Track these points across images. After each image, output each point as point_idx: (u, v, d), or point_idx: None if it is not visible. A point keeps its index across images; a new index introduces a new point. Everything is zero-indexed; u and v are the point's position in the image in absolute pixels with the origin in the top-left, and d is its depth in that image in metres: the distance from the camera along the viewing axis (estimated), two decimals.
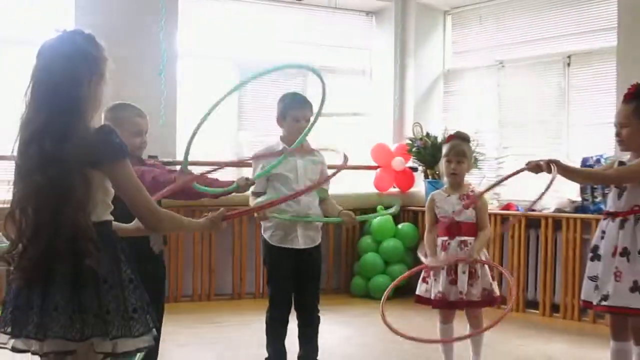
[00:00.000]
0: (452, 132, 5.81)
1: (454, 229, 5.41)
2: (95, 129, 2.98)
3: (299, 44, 10.25)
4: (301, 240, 5.26)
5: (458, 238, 5.40)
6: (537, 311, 8.27)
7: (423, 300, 5.54)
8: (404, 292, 9.30)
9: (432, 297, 5.42)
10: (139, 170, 4.22)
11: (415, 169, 9.89)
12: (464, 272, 5.31)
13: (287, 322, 5.35)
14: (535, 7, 9.35)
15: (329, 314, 8.27)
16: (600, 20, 8.61)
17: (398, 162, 9.79)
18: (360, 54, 10.71)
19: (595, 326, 7.63)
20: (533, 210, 7.63)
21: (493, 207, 9.11)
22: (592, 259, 4.75)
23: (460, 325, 5.71)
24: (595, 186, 7.95)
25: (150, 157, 8.53)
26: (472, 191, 5.58)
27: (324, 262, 9.06)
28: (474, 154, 7.44)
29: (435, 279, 5.41)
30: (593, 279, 4.68)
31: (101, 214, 2.97)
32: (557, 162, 4.66)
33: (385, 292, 5.46)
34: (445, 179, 5.76)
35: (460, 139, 5.53)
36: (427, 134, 9.73)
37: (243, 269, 9.03)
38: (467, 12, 10.18)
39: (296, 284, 5.33)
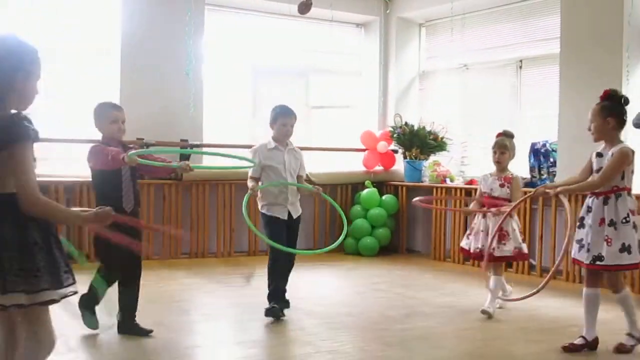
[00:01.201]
0: (500, 131, 6.21)
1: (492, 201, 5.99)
2: (9, 114, 2.82)
3: (303, 50, 10.22)
4: (292, 211, 5.72)
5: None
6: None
7: (464, 252, 6.18)
8: (389, 251, 9.38)
9: (472, 250, 5.99)
10: (104, 148, 4.79)
11: (396, 151, 9.86)
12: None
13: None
14: (493, 20, 9.31)
15: (326, 268, 8.36)
16: (547, 31, 8.54)
17: (382, 146, 9.77)
18: (351, 58, 10.66)
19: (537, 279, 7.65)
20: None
21: (459, 182, 9.14)
22: (578, 227, 4.90)
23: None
24: (542, 166, 7.95)
25: (182, 140, 8.58)
26: (512, 175, 6.06)
27: (322, 226, 9.14)
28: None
29: (475, 237, 5.96)
30: (579, 241, 4.85)
31: (7, 186, 2.80)
32: (562, 191, 4.94)
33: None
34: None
35: (504, 135, 6.09)
36: (406, 123, 9.70)
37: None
38: (438, 25, 10.12)
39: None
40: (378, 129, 10.17)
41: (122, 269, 4.94)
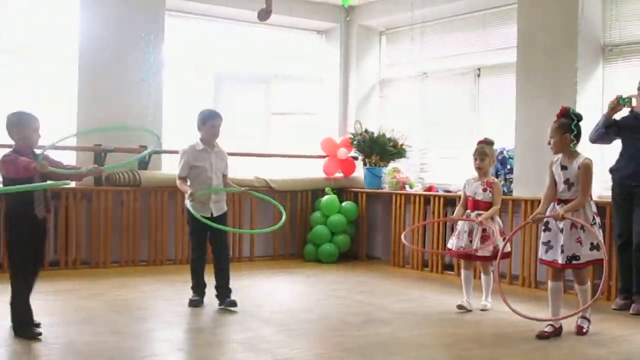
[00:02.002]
0: (480, 139, 6.60)
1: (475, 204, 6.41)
2: None
3: (264, 57, 10.24)
4: (214, 210, 6.21)
5: (477, 211, 6.36)
6: (453, 272, 8.36)
7: (451, 252, 6.58)
8: (349, 257, 9.43)
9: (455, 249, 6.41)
10: (16, 157, 4.88)
11: (356, 158, 9.93)
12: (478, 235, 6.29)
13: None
14: (452, 29, 9.43)
15: (286, 275, 8.39)
16: (504, 40, 8.67)
17: (342, 152, 9.83)
18: (312, 65, 10.70)
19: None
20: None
21: (418, 188, 9.23)
22: (544, 231, 5.51)
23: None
24: (499, 172, 8.08)
25: (141, 146, 8.54)
26: (493, 180, 6.50)
27: (281, 232, 9.14)
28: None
29: (459, 238, 6.37)
30: (546, 244, 5.46)
31: None
32: (564, 215, 5.30)
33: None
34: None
35: (484, 143, 6.48)
36: (366, 130, 9.78)
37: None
38: (398, 33, 10.23)
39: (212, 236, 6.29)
40: (338, 135, 10.23)
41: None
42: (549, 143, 5.44)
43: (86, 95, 8.46)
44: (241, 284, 6.89)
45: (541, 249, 5.51)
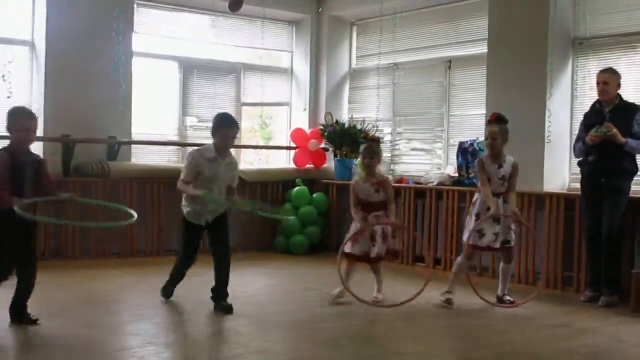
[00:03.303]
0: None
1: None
2: None
3: (235, 47, 10.21)
4: (210, 218, 5.84)
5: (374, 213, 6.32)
6: (424, 264, 8.41)
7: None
8: (320, 249, 9.44)
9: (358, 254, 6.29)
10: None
11: (327, 150, 9.95)
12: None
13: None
14: (424, 21, 9.46)
15: (257, 267, 8.38)
16: (475, 32, 8.73)
17: (313, 144, 9.84)
18: (283, 56, 10.69)
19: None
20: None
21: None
22: (476, 220, 6.23)
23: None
24: (470, 165, 8.14)
25: (110, 137, 8.48)
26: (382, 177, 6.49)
27: (253, 225, 9.13)
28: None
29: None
30: (479, 232, 6.18)
31: None
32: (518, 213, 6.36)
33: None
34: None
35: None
36: (337, 121, 9.80)
37: None
38: (370, 24, 10.24)
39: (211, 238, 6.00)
40: (309, 127, 10.23)
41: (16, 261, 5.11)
42: (490, 143, 6.22)
43: (54, 86, 8.36)
44: (212, 277, 6.86)
45: (474, 236, 6.16)
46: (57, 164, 8.26)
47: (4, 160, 4.91)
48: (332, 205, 9.61)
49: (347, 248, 6.21)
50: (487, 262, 7.78)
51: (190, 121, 9.71)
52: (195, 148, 6.16)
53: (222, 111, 6.04)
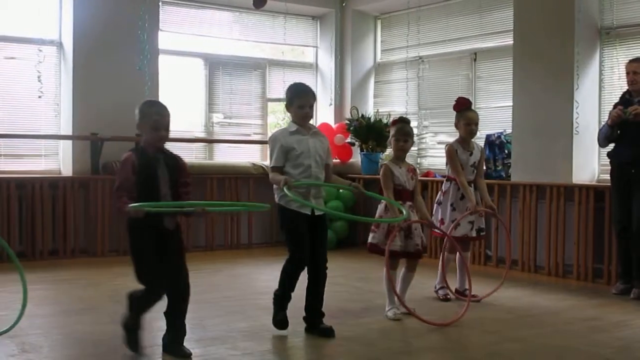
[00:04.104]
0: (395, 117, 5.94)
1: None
2: None
3: (259, 43, 10.21)
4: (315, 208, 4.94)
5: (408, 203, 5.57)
6: None
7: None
8: (347, 244, 9.39)
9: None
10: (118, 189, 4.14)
11: (352, 144, 9.91)
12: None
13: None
14: (448, 13, 9.38)
15: (282, 262, 8.33)
16: (500, 24, 8.65)
17: (339, 139, 9.80)
18: (308, 51, 10.68)
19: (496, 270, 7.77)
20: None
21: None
22: (452, 211, 6.09)
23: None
24: (497, 157, 8.06)
25: (137, 135, 8.48)
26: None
27: (271, 220, 9.09)
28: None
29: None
30: (453, 221, 6.01)
31: None
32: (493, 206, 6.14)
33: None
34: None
35: (403, 122, 5.66)
36: (362, 116, 9.77)
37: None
38: (394, 17, 10.18)
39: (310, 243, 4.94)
40: (334, 121, 10.20)
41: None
42: (471, 129, 6.05)
43: (82, 84, 8.41)
44: (241, 272, 6.88)
45: (449, 226, 5.95)
46: (86, 161, 8.34)
47: (129, 163, 4.19)
48: (359, 199, 9.56)
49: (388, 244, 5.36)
50: (503, 252, 7.69)
51: (217, 117, 9.72)
52: (274, 131, 5.42)
53: (296, 81, 5.28)
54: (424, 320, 5.20)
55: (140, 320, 4.35)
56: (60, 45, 8.57)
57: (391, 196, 5.44)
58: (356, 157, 9.90)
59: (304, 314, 5.07)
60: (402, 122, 5.64)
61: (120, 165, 4.23)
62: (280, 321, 5.00)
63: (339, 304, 5.96)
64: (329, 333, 4.92)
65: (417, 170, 5.90)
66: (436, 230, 6.04)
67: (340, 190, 9.31)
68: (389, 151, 9.55)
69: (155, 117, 4.25)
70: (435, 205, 6.26)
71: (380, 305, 5.89)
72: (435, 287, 6.23)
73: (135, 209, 3.96)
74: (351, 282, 7.03)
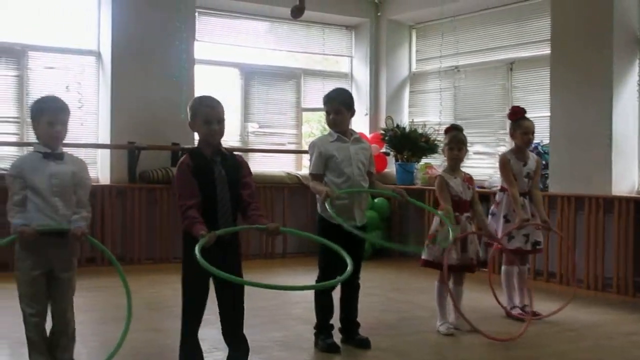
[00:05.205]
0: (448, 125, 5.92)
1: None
2: None
3: (294, 52, 10.24)
4: (357, 218, 4.80)
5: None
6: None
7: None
8: (381, 254, 9.32)
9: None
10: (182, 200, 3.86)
11: (387, 154, 9.86)
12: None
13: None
14: (484, 22, 9.32)
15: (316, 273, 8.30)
16: (537, 33, 8.56)
17: (374, 148, 9.74)
18: (342, 61, 10.68)
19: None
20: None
21: None
22: (505, 222, 5.86)
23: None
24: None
25: (173, 144, 8.55)
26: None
27: (314, 229, 9.06)
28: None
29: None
30: (507, 234, 5.79)
31: None
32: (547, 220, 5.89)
33: None
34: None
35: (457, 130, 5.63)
36: (397, 125, 9.72)
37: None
38: (429, 27, 10.13)
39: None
40: (369, 131, 10.16)
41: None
42: (528, 138, 5.95)
43: (119, 93, 8.49)
44: (275, 281, 6.83)
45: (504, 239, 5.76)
46: (123, 170, 8.41)
47: (185, 166, 3.92)
48: (394, 210, 9.51)
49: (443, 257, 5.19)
50: (541, 265, 7.58)
51: (252, 127, 9.75)
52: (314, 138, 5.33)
53: (337, 87, 5.28)
54: (489, 337, 5.03)
55: None
56: (98, 55, 8.66)
57: (450, 209, 5.22)
58: (391, 167, 9.85)
59: (339, 325, 5.03)
60: (456, 130, 5.57)
61: (177, 171, 3.99)
62: (330, 345, 4.80)
63: (375, 315, 5.92)
64: (365, 344, 4.87)
65: (474, 179, 5.70)
66: (492, 242, 5.82)
67: (376, 200, 9.27)
68: (423, 161, 9.46)
69: (206, 109, 3.96)
70: (488, 217, 6.00)
71: (416, 317, 5.85)
72: (508, 306, 5.88)
73: (207, 240, 3.66)
74: (387, 292, 6.99)
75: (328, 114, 4.85)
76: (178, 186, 3.93)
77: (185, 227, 3.82)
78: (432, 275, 5.75)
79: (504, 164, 5.84)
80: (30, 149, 4.18)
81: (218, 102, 4.04)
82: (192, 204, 3.82)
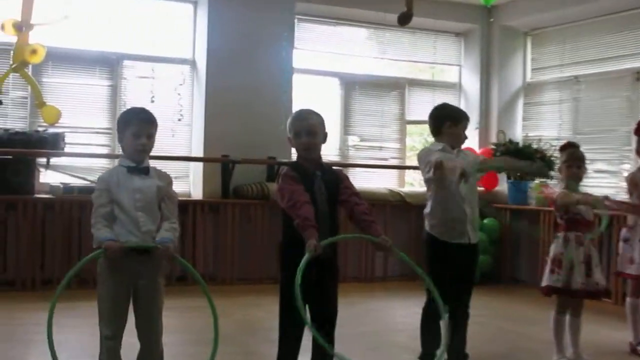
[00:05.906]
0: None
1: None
2: None
3: (398, 61, 10.27)
4: (471, 235, 4.78)
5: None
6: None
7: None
8: (491, 280, 9.17)
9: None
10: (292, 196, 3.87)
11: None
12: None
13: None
14: (607, 28, 9.12)
15: (418, 298, 8.24)
16: None
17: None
18: (451, 70, 10.64)
19: None
20: None
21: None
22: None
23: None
24: None
25: (269, 157, 8.69)
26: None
27: (415, 250, 9.03)
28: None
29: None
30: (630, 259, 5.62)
31: None
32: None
33: None
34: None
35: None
36: (510, 140, 9.60)
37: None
38: (545, 34, 9.99)
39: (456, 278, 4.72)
40: (479, 146, 10.07)
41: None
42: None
43: (214, 105, 8.70)
44: (375, 306, 6.87)
45: (625, 262, 5.63)
46: (216, 184, 8.58)
47: (288, 176, 4.00)
48: (505, 231, 9.38)
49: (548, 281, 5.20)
50: None
51: (352, 140, 9.82)
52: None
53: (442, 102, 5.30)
54: None
55: None
56: (193, 64, 8.92)
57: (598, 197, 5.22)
58: (502, 186, 9.72)
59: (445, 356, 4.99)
60: (573, 147, 5.48)
61: (280, 180, 4.02)
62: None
63: (480, 345, 5.84)
64: None
65: None
66: (626, 271, 5.66)
67: (485, 221, 9.16)
68: (538, 179, 9.28)
69: (296, 122, 4.06)
70: (621, 242, 5.81)
71: (524, 349, 5.77)
72: (634, 342, 5.66)
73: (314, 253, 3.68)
74: (494, 321, 6.88)
75: (457, 133, 4.86)
76: (283, 189, 3.93)
77: (297, 225, 3.79)
78: (547, 304, 5.65)
79: (636, 183, 5.69)
80: None
81: (309, 113, 4.13)
82: (307, 200, 3.83)
